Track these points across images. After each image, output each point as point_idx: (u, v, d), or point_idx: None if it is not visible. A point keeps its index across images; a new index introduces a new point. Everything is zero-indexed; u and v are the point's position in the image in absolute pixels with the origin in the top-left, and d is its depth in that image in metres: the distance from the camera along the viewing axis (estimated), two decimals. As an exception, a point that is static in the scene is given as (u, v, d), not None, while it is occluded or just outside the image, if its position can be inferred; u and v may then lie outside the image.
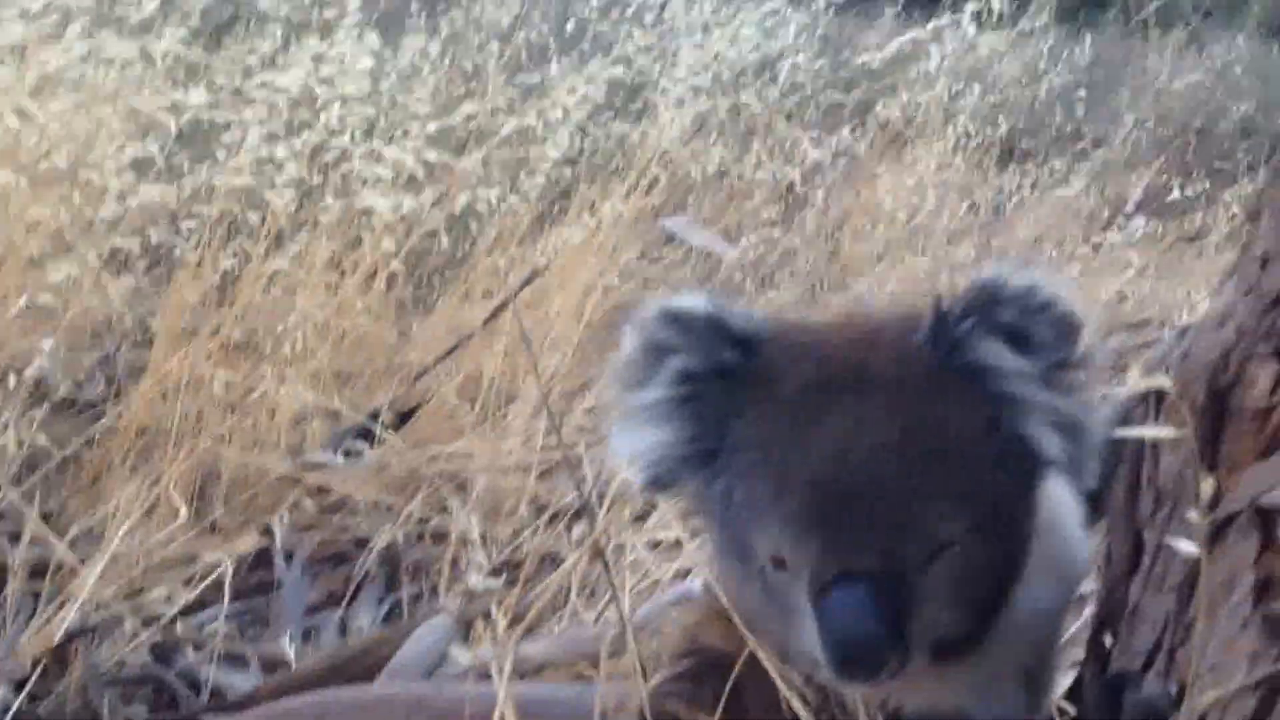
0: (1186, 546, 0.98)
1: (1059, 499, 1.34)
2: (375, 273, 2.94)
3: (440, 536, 2.60)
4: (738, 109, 4.53)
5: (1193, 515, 0.98)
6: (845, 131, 4.84)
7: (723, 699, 1.30)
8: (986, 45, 5.83)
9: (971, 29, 5.50)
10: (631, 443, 1.27)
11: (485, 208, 3.17)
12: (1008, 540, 1.20)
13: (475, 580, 2.44)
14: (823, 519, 1.14)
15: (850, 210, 4.58)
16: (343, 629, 2.45)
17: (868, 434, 1.14)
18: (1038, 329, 1.15)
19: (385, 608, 2.51)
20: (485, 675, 1.98)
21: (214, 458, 2.46)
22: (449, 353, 2.92)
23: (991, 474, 1.16)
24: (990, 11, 5.57)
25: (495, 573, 2.56)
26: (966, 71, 5.51)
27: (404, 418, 2.74)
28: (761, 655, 1.29)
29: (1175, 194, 5.70)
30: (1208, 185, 5.67)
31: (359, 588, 2.50)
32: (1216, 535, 1.05)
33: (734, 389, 1.22)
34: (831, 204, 4.55)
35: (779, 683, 1.25)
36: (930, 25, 5.42)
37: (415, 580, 2.55)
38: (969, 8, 5.32)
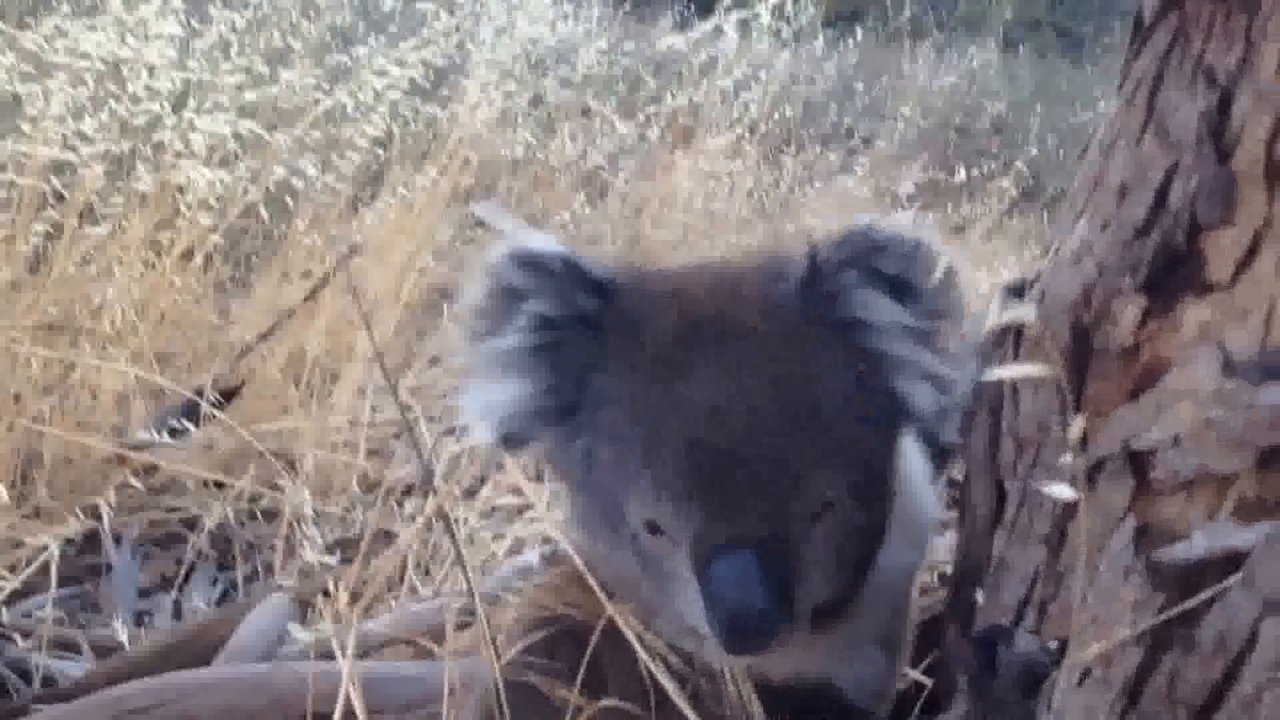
0: (1061, 490, 1.06)
1: (909, 454, 1.37)
2: (193, 251, 2.87)
3: (272, 515, 2.58)
4: (540, 96, 4.59)
5: (1066, 459, 1.06)
6: (641, 119, 4.94)
7: (580, 669, 1.26)
8: (763, 45, 6.04)
9: (737, 35, 5.67)
10: (483, 396, 1.20)
11: (302, 184, 3.13)
12: (877, 499, 1.20)
13: (311, 557, 2.42)
14: (703, 484, 1.08)
15: (649, 197, 4.69)
16: (177, 611, 2.40)
17: (742, 390, 1.09)
18: (917, 278, 1.12)
19: (219, 588, 2.47)
20: (326, 654, 1.98)
21: (35, 439, 2.37)
22: (270, 331, 2.88)
23: (863, 430, 1.15)
24: (757, 17, 5.76)
25: (330, 550, 2.55)
26: (747, 68, 5.69)
27: (228, 396, 2.68)
28: (622, 623, 1.26)
29: (942, 184, 6.08)
30: (971, 175, 6.04)
31: (191, 568, 2.45)
32: (1087, 481, 1.14)
33: (593, 338, 1.16)
34: (631, 190, 4.65)
35: (640, 652, 1.23)
36: (710, 25, 5.56)
37: (249, 560, 2.51)
38: (734, 17, 5.48)
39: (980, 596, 1.25)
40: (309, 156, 3.24)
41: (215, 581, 2.49)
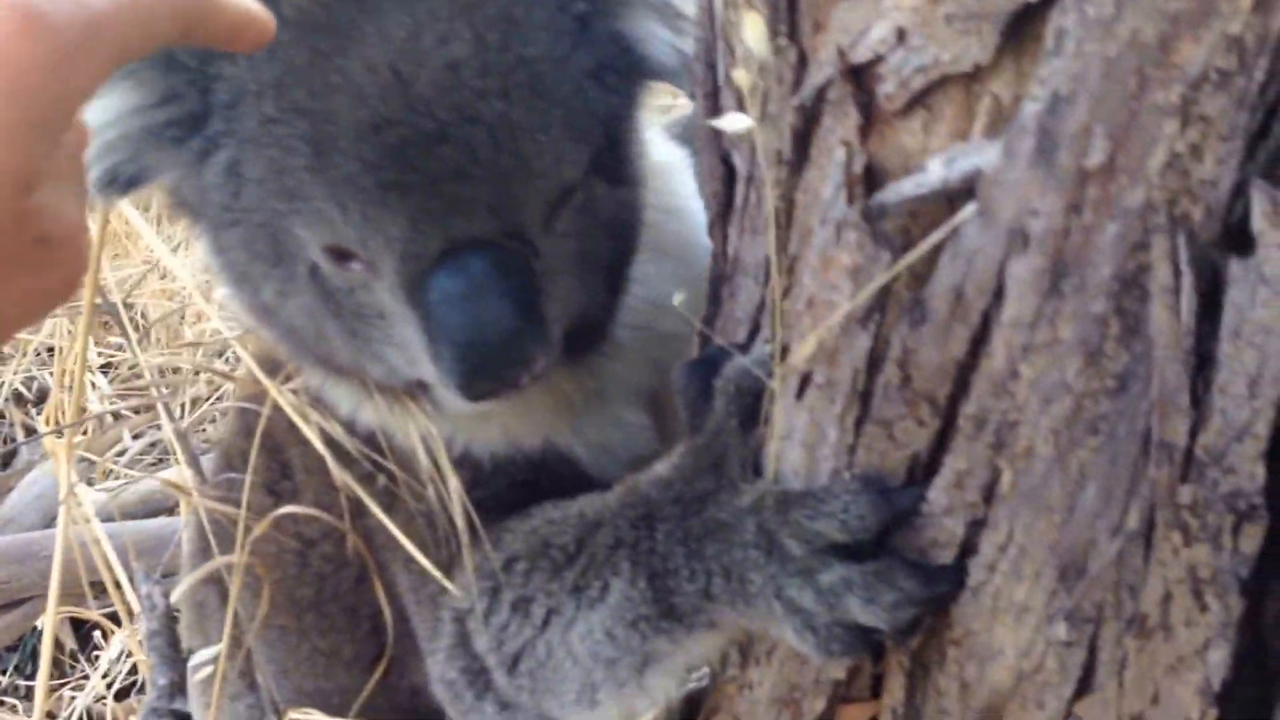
0: (731, 121, 0.75)
1: (671, 161, 1.12)
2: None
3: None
4: None
5: (739, 75, 0.76)
6: None
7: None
8: None
9: None
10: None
11: None
12: (626, 183, 0.95)
13: (98, 407, 2.17)
14: (400, 176, 0.81)
15: None
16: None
17: (433, 41, 0.82)
18: None
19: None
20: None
21: None
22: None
23: (595, 89, 0.89)
24: None
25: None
26: None
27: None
28: (284, 401, 1.04)
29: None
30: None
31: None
32: (808, 124, 0.82)
33: None
34: None
35: (308, 434, 1.00)
36: None
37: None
38: None
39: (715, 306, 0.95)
40: None
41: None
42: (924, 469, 0.75)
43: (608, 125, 0.92)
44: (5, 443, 2.19)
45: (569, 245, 0.89)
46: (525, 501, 1.02)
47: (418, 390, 0.97)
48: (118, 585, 1.64)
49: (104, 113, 0.88)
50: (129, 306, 2.22)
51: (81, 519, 1.50)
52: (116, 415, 2.15)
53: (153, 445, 2.10)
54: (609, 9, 0.91)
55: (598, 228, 0.92)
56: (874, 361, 0.75)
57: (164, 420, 1.37)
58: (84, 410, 1.92)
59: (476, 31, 0.83)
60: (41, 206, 0.59)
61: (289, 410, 1.07)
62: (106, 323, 2.21)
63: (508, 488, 1.04)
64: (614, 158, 0.94)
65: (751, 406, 0.83)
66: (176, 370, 2.26)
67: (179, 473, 1.34)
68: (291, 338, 1.00)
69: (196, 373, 2.09)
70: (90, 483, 1.90)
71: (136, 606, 1.57)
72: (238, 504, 1.17)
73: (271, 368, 1.12)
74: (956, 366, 0.71)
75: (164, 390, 2.07)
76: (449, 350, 0.82)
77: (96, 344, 2.27)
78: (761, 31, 0.76)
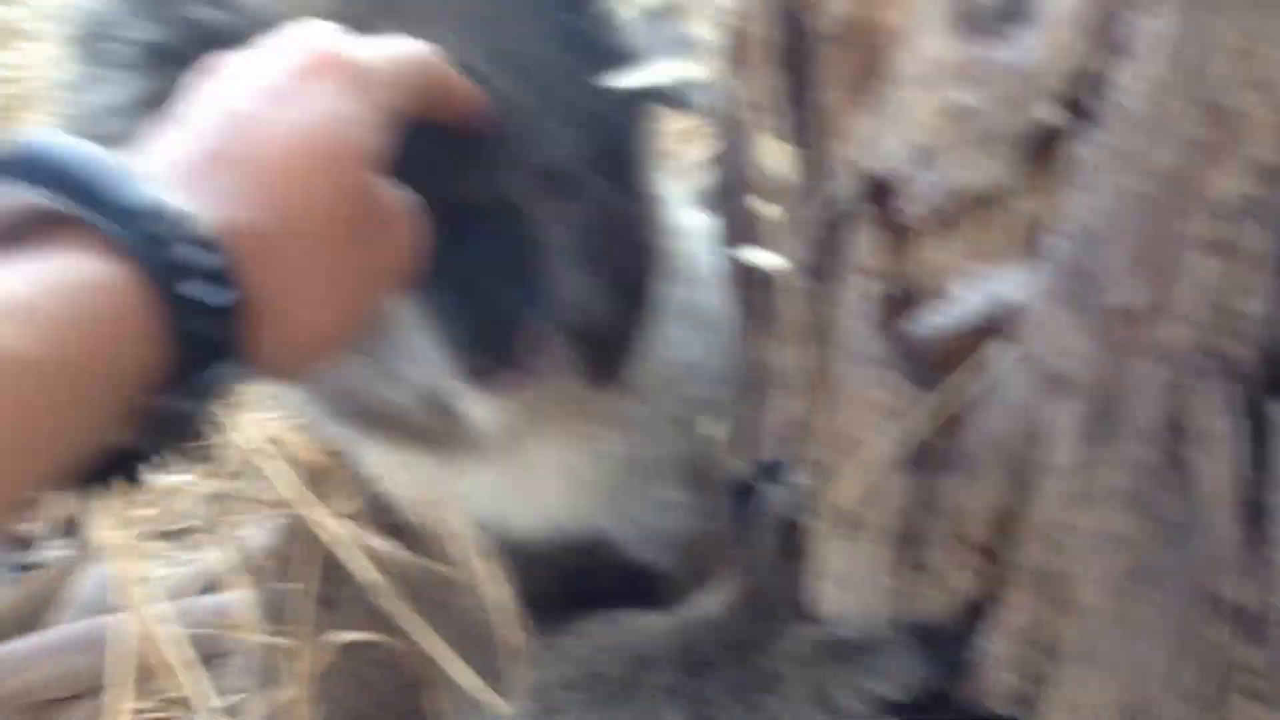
0: (761, 256, 0.71)
1: (701, 230, 1.09)
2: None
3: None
4: None
5: (767, 209, 0.72)
6: None
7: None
8: None
9: None
10: None
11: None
12: (631, 199, 0.92)
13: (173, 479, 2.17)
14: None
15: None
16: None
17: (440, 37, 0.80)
18: None
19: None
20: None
21: None
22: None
23: (592, 93, 0.87)
24: None
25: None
26: None
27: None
28: (324, 532, 1.03)
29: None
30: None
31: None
32: (831, 236, 0.78)
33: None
34: None
35: (352, 568, 0.98)
36: None
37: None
38: None
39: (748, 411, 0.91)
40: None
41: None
42: (978, 614, 0.70)
43: (608, 130, 0.88)
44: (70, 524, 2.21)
45: (564, 229, 0.84)
46: (573, 598, 1.00)
47: (441, 421, 0.93)
48: (182, 670, 1.63)
49: None
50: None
51: (143, 606, 1.50)
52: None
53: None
54: (611, 27, 0.88)
55: (606, 226, 0.88)
56: (917, 505, 0.71)
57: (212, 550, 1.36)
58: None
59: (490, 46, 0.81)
60: (375, 181, 0.66)
61: (331, 545, 1.05)
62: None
63: (555, 580, 1.01)
64: (617, 164, 0.90)
65: (794, 540, 0.79)
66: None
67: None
68: (326, 400, 0.98)
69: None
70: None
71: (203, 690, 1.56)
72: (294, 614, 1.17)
73: (314, 478, 1.11)
74: (1004, 514, 0.67)
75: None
76: (456, 325, 0.79)
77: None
78: (780, 156, 0.72)
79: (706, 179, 0.96)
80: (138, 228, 0.56)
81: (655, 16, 0.87)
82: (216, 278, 0.58)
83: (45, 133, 0.60)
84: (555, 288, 0.83)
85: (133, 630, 1.49)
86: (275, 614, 1.21)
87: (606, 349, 0.93)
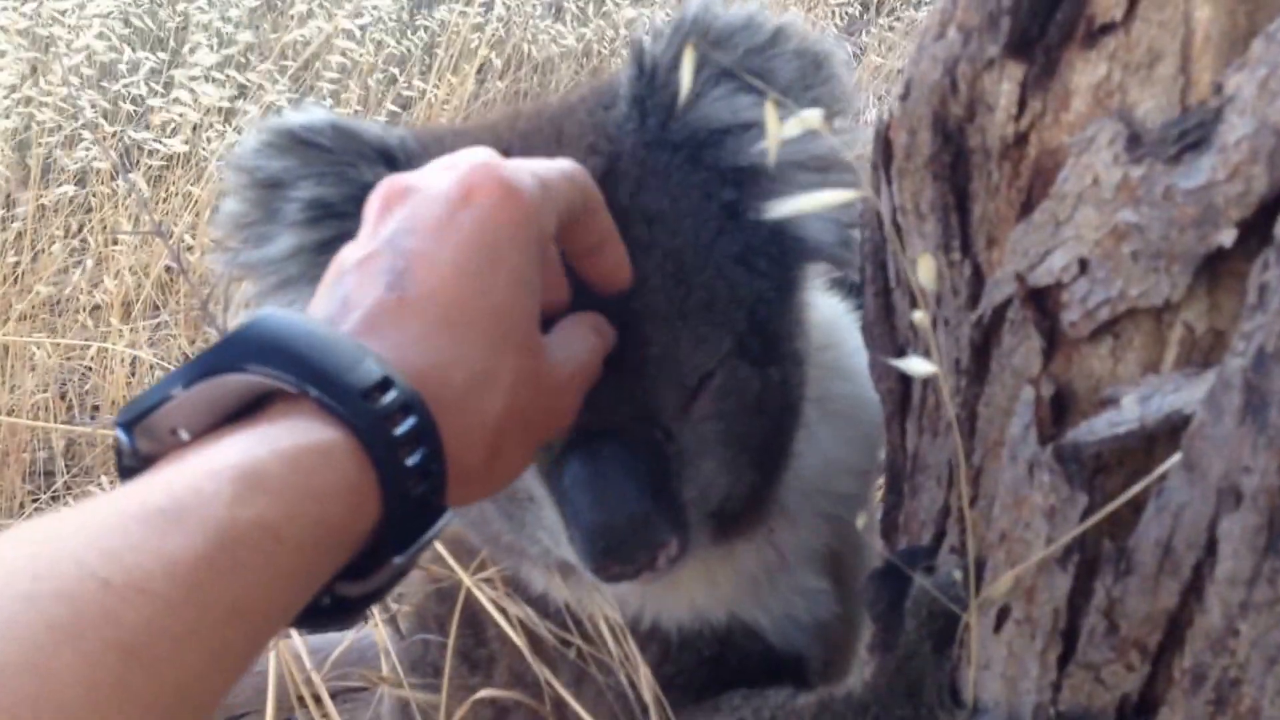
0: (914, 365, 0.74)
1: (833, 318, 1.11)
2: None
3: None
4: None
5: (918, 317, 0.74)
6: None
7: (452, 630, 1.12)
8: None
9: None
10: None
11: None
12: (775, 363, 0.93)
13: None
14: None
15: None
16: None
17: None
18: (776, 66, 0.87)
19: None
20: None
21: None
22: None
23: (741, 274, 0.89)
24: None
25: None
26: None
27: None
28: (469, 581, 1.07)
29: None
30: None
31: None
32: (987, 339, 0.81)
33: None
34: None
35: (493, 612, 1.03)
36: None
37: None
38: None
39: (895, 505, 0.94)
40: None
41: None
42: (1135, 710, 0.72)
43: (753, 309, 0.91)
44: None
45: (710, 428, 0.89)
46: (713, 680, 1.03)
47: (574, 573, 0.98)
48: (317, 700, 1.66)
49: (290, 304, 0.93)
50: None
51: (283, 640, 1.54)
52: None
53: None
54: (759, 195, 0.89)
55: (743, 409, 0.91)
56: (1076, 603, 0.73)
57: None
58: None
59: (621, 231, 0.83)
60: (548, 343, 0.74)
61: (483, 600, 1.09)
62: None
63: (696, 664, 1.04)
64: (761, 339, 0.92)
65: (945, 629, 0.81)
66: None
67: (377, 632, 1.36)
68: (483, 532, 1.03)
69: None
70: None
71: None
72: (432, 666, 1.21)
73: (466, 551, 1.15)
74: (1168, 618, 0.69)
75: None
76: (580, 533, 0.83)
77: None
78: (933, 270, 0.75)
79: (853, 276, 0.99)
80: (364, 408, 0.61)
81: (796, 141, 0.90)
82: (423, 438, 0.63)
83: (276, 313, 0.65)
84: (687, 492, 0.87)
85: (272, 662, 1.53)
86: (413, 663, 1.25)
87: (745, 518, 0.96)
